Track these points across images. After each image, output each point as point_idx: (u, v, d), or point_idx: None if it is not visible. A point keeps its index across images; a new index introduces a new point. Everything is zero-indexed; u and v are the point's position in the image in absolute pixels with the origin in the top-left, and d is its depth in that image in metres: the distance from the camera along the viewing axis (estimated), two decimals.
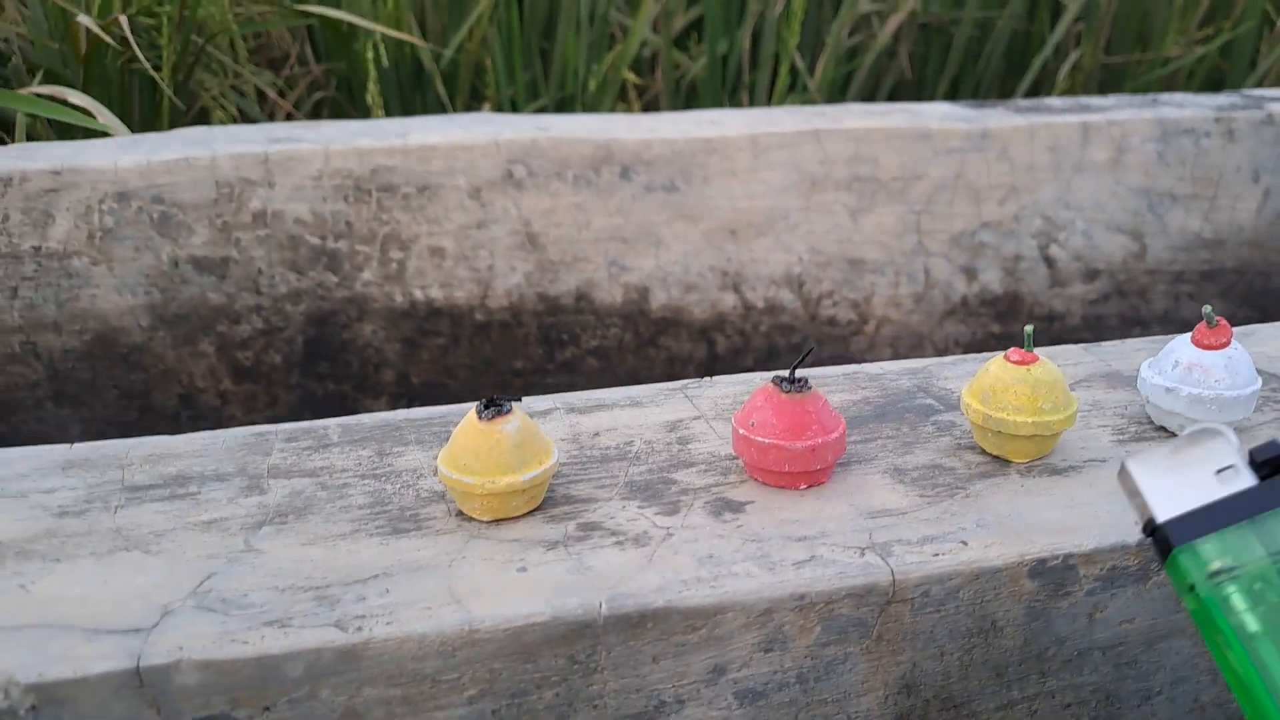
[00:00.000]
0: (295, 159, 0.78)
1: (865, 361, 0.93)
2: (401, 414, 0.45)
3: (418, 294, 0.80)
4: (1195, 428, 0.30)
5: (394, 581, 0.35)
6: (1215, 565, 0.28)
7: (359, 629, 0.33)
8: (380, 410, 0.82)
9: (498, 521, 0.38)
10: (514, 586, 0.34)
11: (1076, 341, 0.93)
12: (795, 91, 1.22)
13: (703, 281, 0.87)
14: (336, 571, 0.35)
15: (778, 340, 0.90)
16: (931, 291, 0.92)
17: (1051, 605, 0.38)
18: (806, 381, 0.40)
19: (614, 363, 0.86)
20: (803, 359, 0.40)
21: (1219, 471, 0.29)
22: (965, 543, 0.37)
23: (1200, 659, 0.40)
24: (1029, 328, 0.41)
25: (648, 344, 0.87)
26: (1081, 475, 0.41)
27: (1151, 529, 0.29)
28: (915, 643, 0.37)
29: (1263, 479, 0.29)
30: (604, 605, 0.34)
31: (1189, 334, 0.42)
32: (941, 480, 0.41)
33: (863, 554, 0.37)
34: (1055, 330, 0.94)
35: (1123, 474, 0.30)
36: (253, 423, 0.80)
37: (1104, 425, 0.44)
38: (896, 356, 0.93)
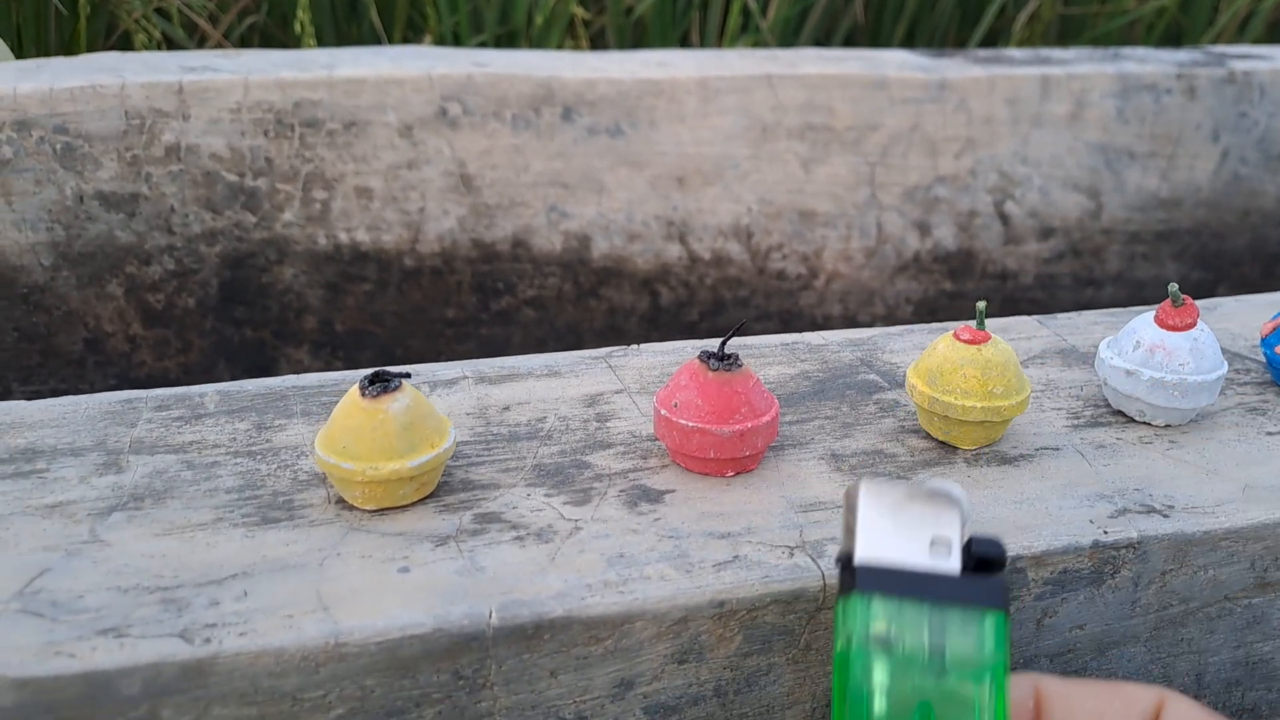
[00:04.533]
0: (212, 90, 0.70)
1: (814, 316, 0.89)
2: (290, 380, 0.40)
3: (342, 237, 0.74)
4: (937, 484, 0.27)
5: (254, 583, 0.30)
6: (878, 630, 0.25)
7: (207, 640, 0.27)
8: (301, 358, 0.76)
9: (382, 511, 0.33)
10: (393, 591, 0.30)
11: (1029, 302, 0.89)
12: (747, 32, 1.15)
13: (647, 231, 0.81)
14: (190, 569, 0.30)
15: (724, 294, 0.85)
16: (884, 246, 0.87)
17: None
18: (737, 358, 0.35)
19: (552, 314, 0.81)
20: (732, 333, 0.35)
21: (933, 541, 0.26)
22: None
23: (1154, 666, 0.36)
24: (981, 304, 0.36)
25: (588, 295, 0.82)
26: (1033, 465, 0.37)
27: (846, 561, 0.27)
28: None
29: (965, 570, 0.26)
30: (494, 615, 0.29)
31: (1151, 312, 0.38)
32: (882, 469, 0.36)
33: (791, 554, 0.32)
34: (1008, 289, 0.90)
35: (850, 492, 0.28)
36: (164, 369, 0.74)
37: (1058, 408, 0.40)
38: (846, 312, 0.88)
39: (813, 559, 0.32)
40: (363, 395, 0.32)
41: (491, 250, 0.78)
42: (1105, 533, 0.33)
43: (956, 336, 0.36)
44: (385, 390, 0.32)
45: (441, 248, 0.76)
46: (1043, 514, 0.34)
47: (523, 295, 0.80)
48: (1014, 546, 0.33)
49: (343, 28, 1.12)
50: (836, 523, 0.33)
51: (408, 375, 0.32)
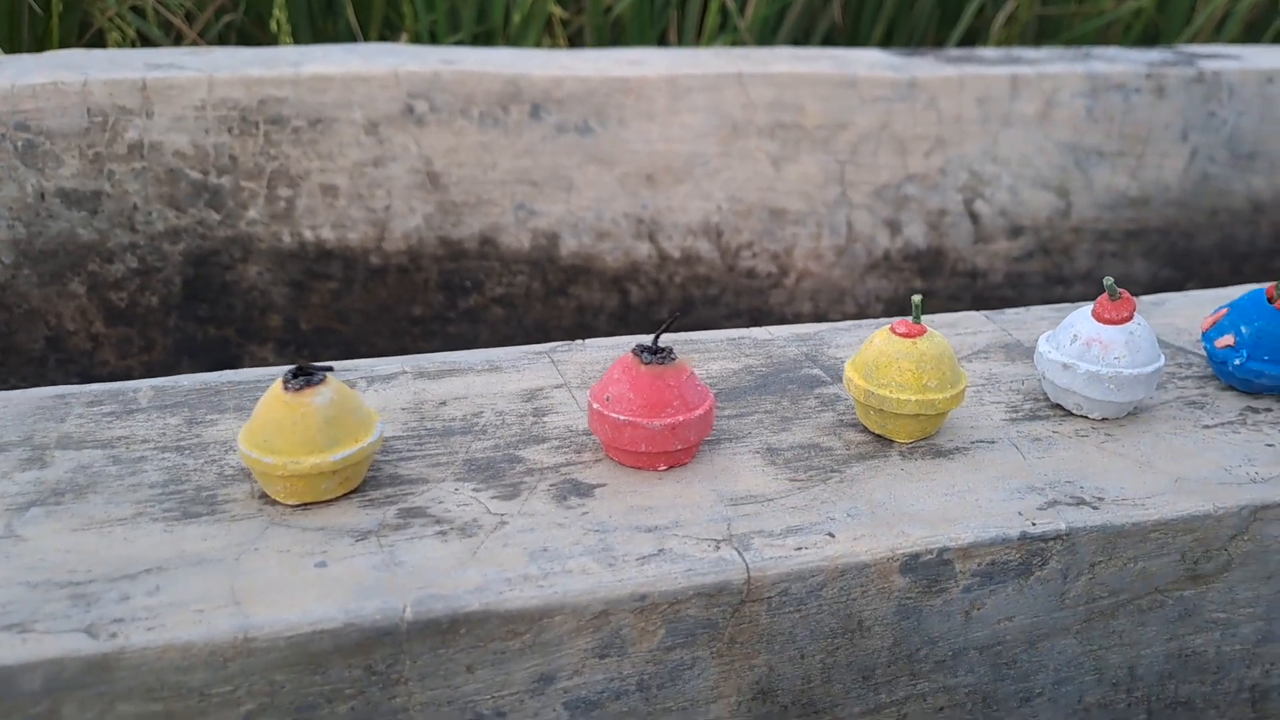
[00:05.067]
0: (176, 87, 0.70)
1: (784, 315, 0.89)
2: (225, 375, 0.39)
3: (307, 234, 0.74)
4: None
5: (168, 578, 0.29)
6: None
7: (113, 635, 0.27)
8: (265, 356, 0.76)
9: (305, 506, 0.32)
10: (307, 585, 0.29)
11: (999, 299, 0.89)
12: (725, 32, 1.15)
13: (616, 229, 0.81)
14: (104, 564, 0.30)
15: (694, 292, 0.85)
16: (854, 245, 0.87)
17: (924, 603, 0.33)
18: (670, 351, 0.35)
19: (520, 312, 0.80)
20: (666, 326, 0.35)
21: None
22: (832, 535, 0.32)
23: (1085, 659, 0.36)
24: (916, 297, 0.36)
25: (557, 293, 0.81)
26: (967, 458, 0.36)
27: None
28: (772, 645, 0.32)
29: None
30: (408, 609, 0.29)
31: (1090, 306, 0.37)
32: (816, 462, 0.36)
33: (717, 547, 0.32)
34: (978, 287, 0.89)
35: None
36: (128, 368, 0.73)
37: (997, 402, 0.40)
38: (817, 310, 0.88)
39: (738, 552, 0.32)
40: (285, 389, 0.31)
41: (459, 248, 0.77)
42: (1033, 524, 0.33)
43: (892, 330, 0.36)
44: (308, 384, 0.32)
45: (408, 245, 0.76)
46: (972, 506, 0.34)
47: (490, 293, 0.79)
48: (941, 539, 0.32)
49: (319, 26, 1.12)
50: (766, 515, 0.33)
51: (330, 369, 0.32)
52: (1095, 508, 0.34)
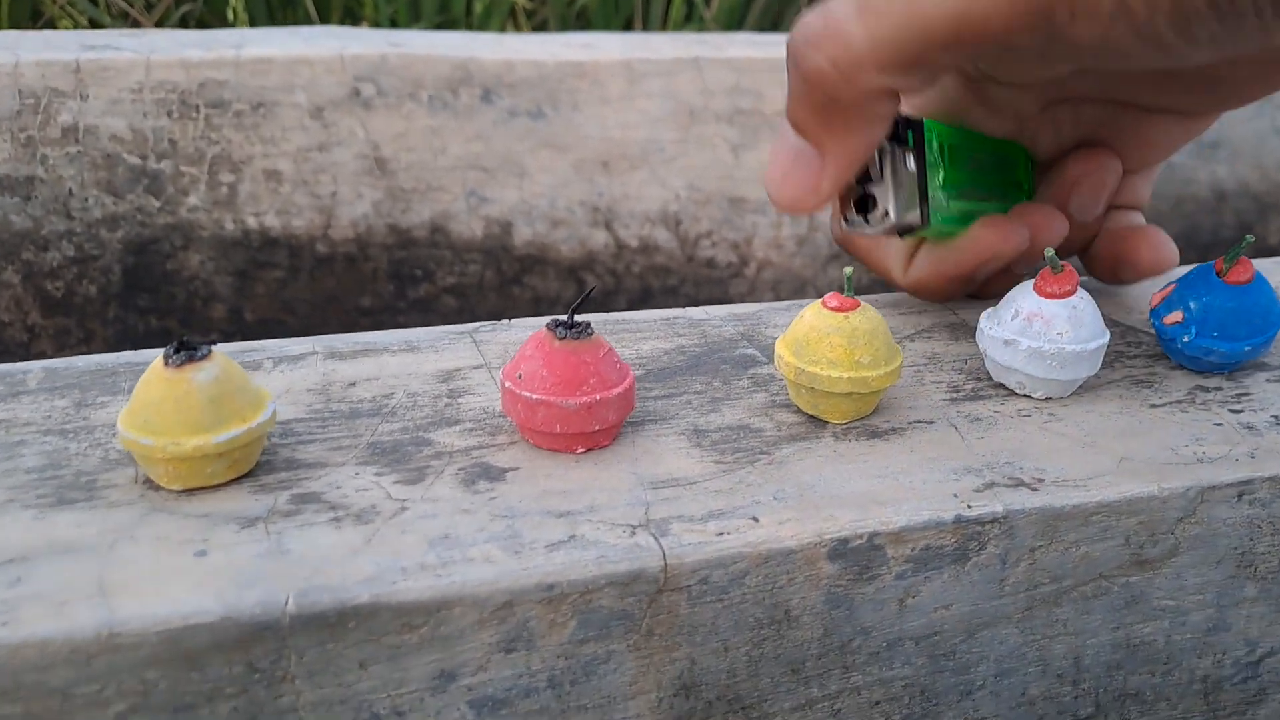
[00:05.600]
0: (111, 69, 0.67)
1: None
2: (125, 357, 0.37)
3: (251, 221, 0.71)
4: None
5: (31, 568, 0.27)
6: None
7: None
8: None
9: (191, 491, 0.30)
10: (184, 576, 0.27)
11: None
12: (691, 20, 1.13)
13: (571, 217, 0.79)
14: None
15: (652, 281, 0.83)
16: (815, 234, 0.85)
17: (855, 591, 0.31)
18: (588, 326, 0.33)
19: (473, 301, 0.78)
20: (583, 299, 0.33)
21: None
22: (756, 519, 0.30)
23: (1028, 649, 0.34)
24: (848, 269, 0.34)
25: (511, 282, 0.79)
26: (904, 439, 0.34)
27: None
28: (694, 636, 0.30)
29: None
30: (291, 601, 0.26)
31: (1032, 280, 0.36)
32: (744, 444, 0.34)
33: (633, 533, 0.30)
34: None
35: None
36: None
37: (938, 381, 0.38)
38: (778, 300, 0.86)
39: (655, 538, 0.29)
40: (166, 365, 0.29)
41: (408, 236, 0.75)
42: (969, 507, 0.31)
43: (824, 304, 0.34)
44: (190, 359, 0.29)
45: (356, 233, 0.73)
46: (905, 488, 0.32)
47: (442, 283, 0.77)
48: (871, 522, 0.30)
49: (277, 15, 1.09)
50: (687, 499, 0.31)
51: (214, 342, 0.30)
52: (1035, 489, 0.32)
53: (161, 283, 0.71)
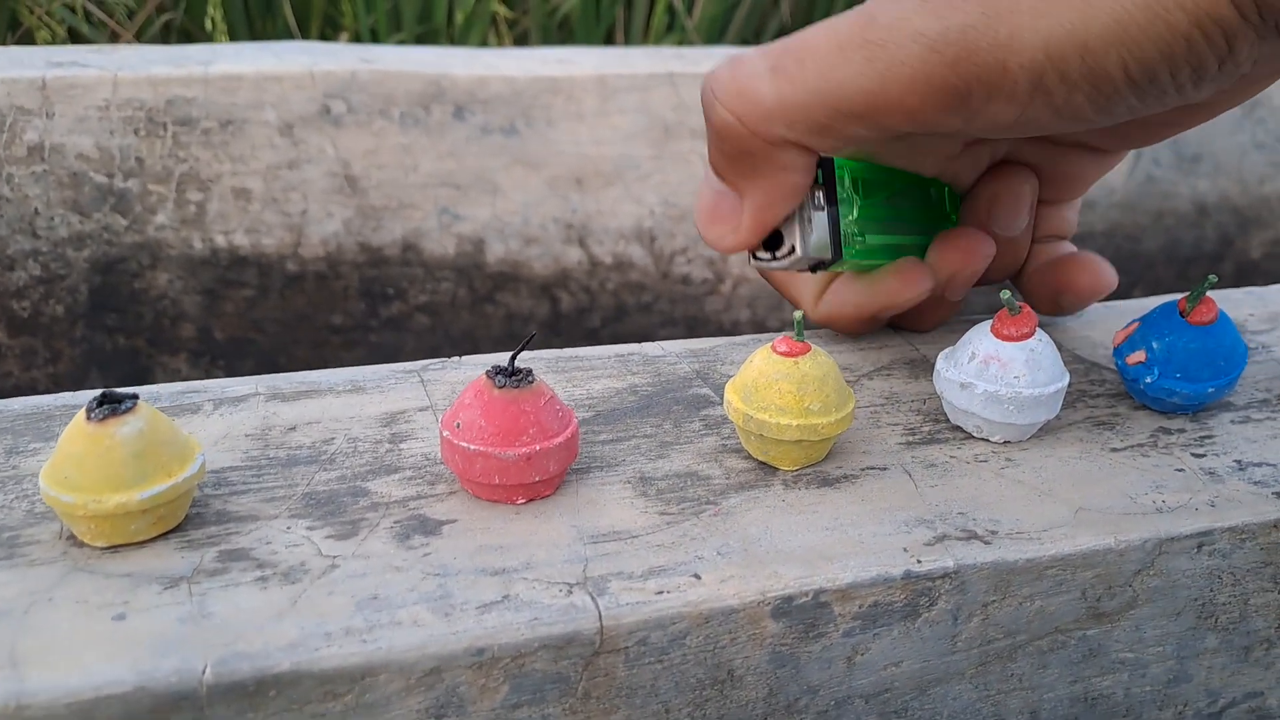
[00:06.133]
0: (78, 86, 0.66)
1: (721, 322, 0.86)
2: (62, 399, 0.36)
3: (220, 240, 0.70)
4: None
5: None
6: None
7: None
8: (178, 368, 0.72)
9: (116, 548, 0.29)
10: (100, 642, 0.26)
11: None
12: (674, 31, 1.12)
13: (545, 234, 0.78)
14: None
15: (627, 299, 0.81)
16: None
17: (801, 649, 0.30)
18: (529, 374, 0.32)
19: (446, 320, 0.77)
20: (524, 345, 0.32)
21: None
22: (698, 576, 0.29)
23: (983, 704, 0.33)
24: (798, 313, 0.33)
25: (484, 300, 0.78)
26: (855, 487, 0.33)
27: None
28: (633, 699, 0.29)
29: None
30: (209, 669, 0.25)
31: (989, 321, 0.35)
32: (691, 493, 0.33)
33: (570, 592, 0.29)
34: None
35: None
36: (33, 380, 0.69)
37: (895, 424, 0.37)
38: (754, 317, 0.85)
39: (592, 597, 0.28)
40: (89, 419, 0.28)
41: (379, 254, 0.74)
42: (919, 562, 0.30)
43: (774, 349, 0.33)
44: (114, 413, 0.28)
45: (326, 251, 0.72)
46: (854, 542, 0.31)
47: (414, 301, 0.76)
48: (818, 579, 0.29)
49: (257, 26, 1.08)
50: (628, 555, 0.30)
51: (135, 396, 0.29)
52: (987, 542, 0.31)
53: (129, 302, 0.70)
